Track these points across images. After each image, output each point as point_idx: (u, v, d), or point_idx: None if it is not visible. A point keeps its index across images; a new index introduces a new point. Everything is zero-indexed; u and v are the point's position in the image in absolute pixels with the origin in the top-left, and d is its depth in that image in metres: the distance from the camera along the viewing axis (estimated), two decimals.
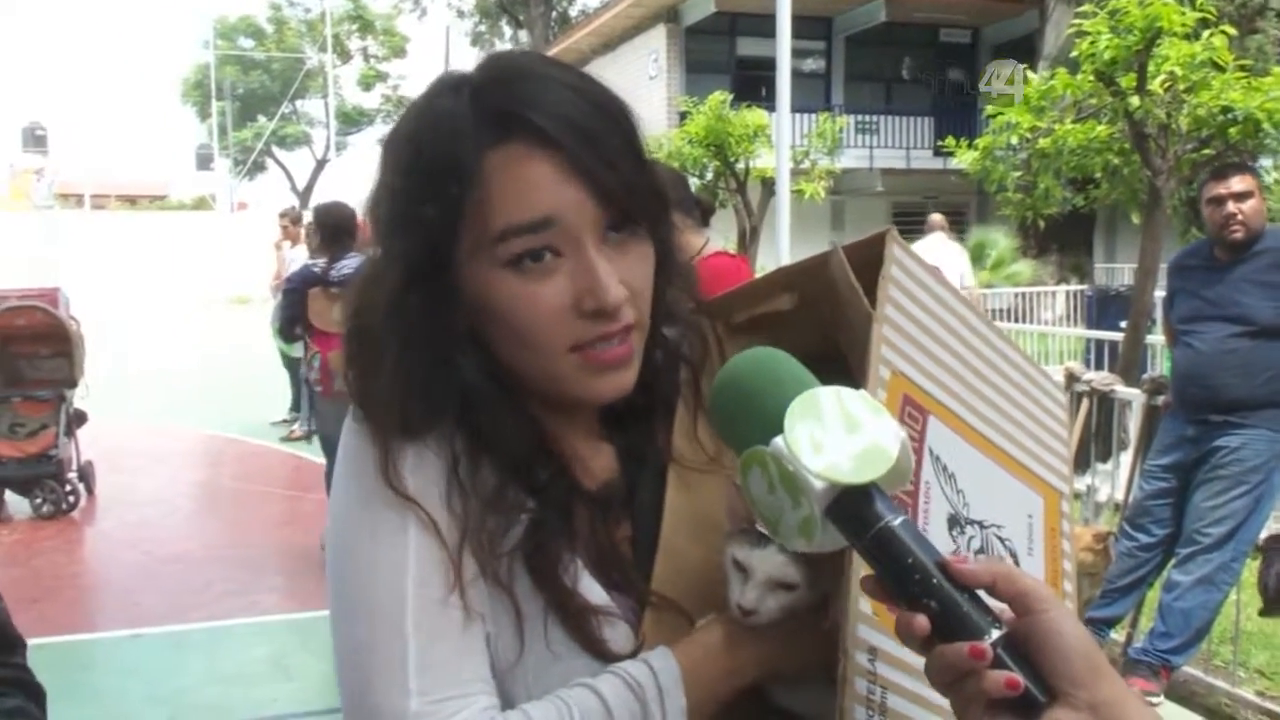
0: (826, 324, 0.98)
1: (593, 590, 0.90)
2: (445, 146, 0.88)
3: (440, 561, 0.86)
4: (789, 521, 0.73)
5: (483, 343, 0.91)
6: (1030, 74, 6.62)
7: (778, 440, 0.72)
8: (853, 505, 0.72)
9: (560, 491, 0.93)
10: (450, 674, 0.85)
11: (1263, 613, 3.90)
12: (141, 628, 5.00)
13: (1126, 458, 5.00)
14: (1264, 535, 4.27)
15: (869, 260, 0.89)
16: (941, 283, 0.94)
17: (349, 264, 5.24)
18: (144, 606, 5.32)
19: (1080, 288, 15.13)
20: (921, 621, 0.69)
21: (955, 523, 0.86)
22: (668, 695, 0.85)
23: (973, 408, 0.93)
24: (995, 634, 0.67)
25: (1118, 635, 4.45)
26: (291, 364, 8.86)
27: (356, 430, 0.91)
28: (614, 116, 0.91)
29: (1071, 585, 0.97)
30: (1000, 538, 0.91)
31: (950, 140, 7.26)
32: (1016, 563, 0.91)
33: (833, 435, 0.71)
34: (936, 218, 10.58)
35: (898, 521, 0.71)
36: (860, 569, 0.77)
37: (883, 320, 0.86)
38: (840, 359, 0.95)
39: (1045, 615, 0.67)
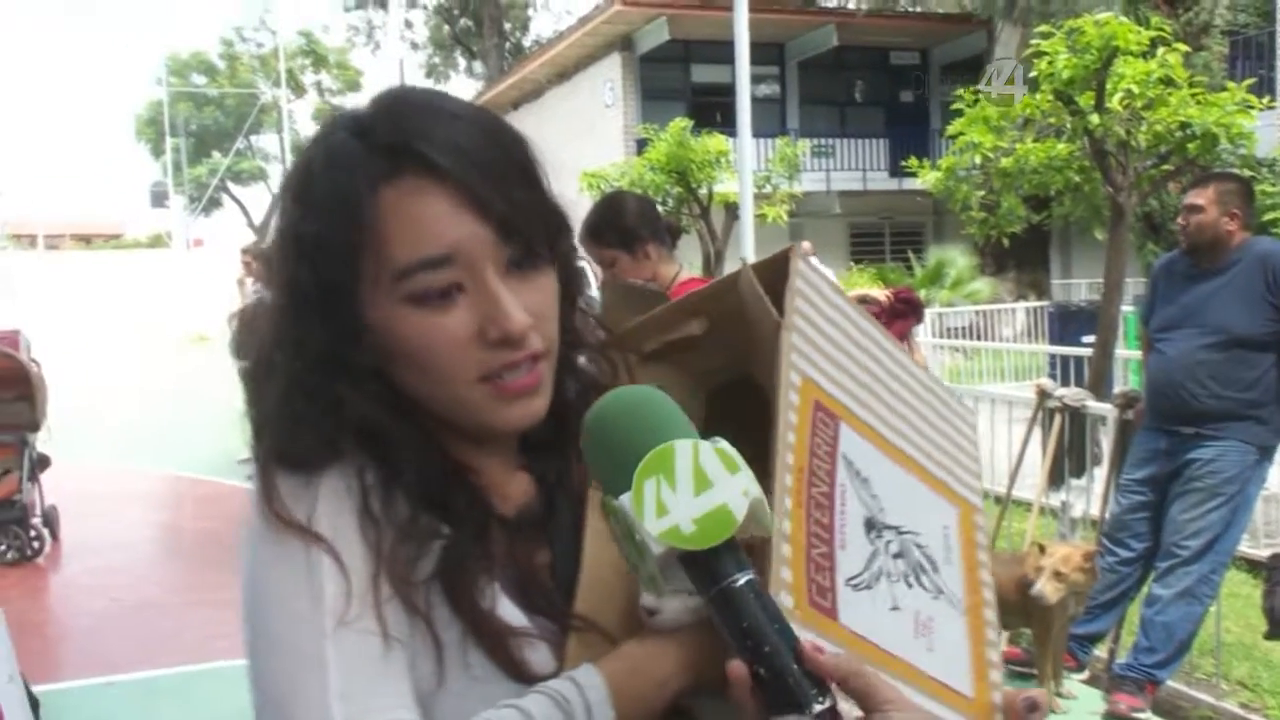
0: (735, 346, 0.99)
1: (511, 613, 0.89)
2: (338, 183, 0.88)
3: (354, 590, 0.84)
4: (641, 573, 0.74)
5: (387, 376, 0.91)
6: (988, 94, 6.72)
7: (625, 498, 0.72)
8: (700, 560, 0.72)
9: (475, 517, 0.92)
10: (374, 699, 0.83)
11: (1268, 636, 3.83)
12: (113, 675, 4.89)
13: (1100, 472, 5.03)
14: (1268, 554, 4.26)
15: (775, 279, 0.91)
16: (846, 299, 0.95)
17: None
18: (115, 654, 5.21)
19: (1040, 304, 15.31)
20: (737, 668, 0.71)
21: (872, 526, 0.87)
22: (596, 711, 0.83)
23: (883, 418, 0.94)
24: (819, 707, 0.68)
25: (1101, 651, 4.47)
26: None
27: (257, 465, 0.91)
28: (506, 145, 0.91)
29: (990, 594, 0.98)
30: (917, 544, 0.91)
31: (913, 161, 7.34)
32: (935, 570, 0.92)
33: (680, 495, 0.71)
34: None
35: (741, 582, 0.71)
36: (780, 570, 0.78)
37: (791, 328, 0.87)
38: (749, 380, 0.96)
39: (883, 715, 0.70)
